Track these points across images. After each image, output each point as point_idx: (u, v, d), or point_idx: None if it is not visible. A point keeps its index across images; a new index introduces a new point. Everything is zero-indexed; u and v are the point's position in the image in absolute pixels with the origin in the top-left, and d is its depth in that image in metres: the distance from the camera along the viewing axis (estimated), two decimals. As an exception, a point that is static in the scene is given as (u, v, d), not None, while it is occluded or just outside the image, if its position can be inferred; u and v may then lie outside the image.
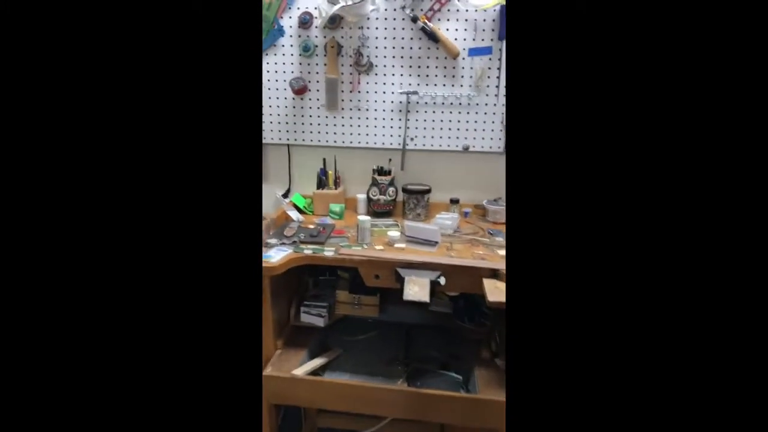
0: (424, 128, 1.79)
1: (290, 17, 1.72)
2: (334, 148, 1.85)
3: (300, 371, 1.40)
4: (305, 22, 1.71)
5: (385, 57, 1.73)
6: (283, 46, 1.76)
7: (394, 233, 1.53)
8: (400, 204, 1.80)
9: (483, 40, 1.67)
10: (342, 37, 1.72)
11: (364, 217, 1.50)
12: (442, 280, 1.31)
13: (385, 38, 1.71)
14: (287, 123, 1.85)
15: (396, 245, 1.46)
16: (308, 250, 1.41)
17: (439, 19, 1.67)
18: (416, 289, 1.24)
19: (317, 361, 1.48)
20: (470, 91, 1.73)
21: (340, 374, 1.49)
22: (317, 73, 1.77)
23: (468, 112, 1.76)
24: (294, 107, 1.83)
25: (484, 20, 1.65)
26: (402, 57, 1.73)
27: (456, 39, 1.68)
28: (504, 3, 1.58)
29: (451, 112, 1.77)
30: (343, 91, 1.79)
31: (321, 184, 1.83)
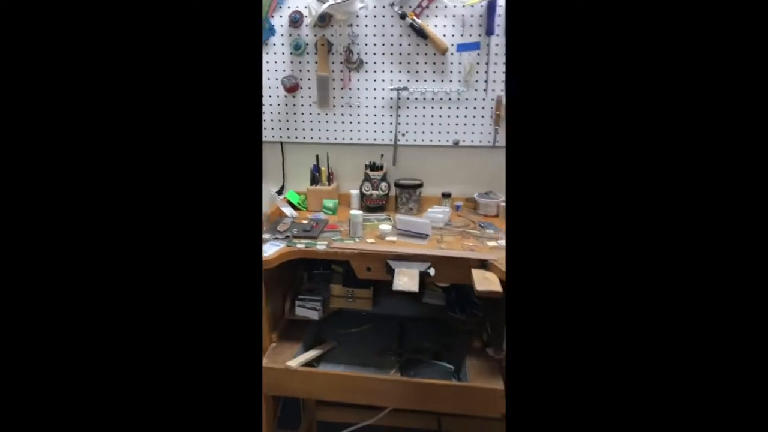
0: (415, 124, 1.82)
1: (281, 16, 1.75)
2: (327, 144, 1.88)
3: (294, 362, 1.43)
4: (295, 20, 1.73)
5: (374, 54, 1.76)
6: (274, 44, 1.78)
7: (385, 227, 1.55)
8: (393, 199, 1.83)
9: (471, 35, 1.70)
10: (332, 35, 1.75)
11: (356, 212, 1.53)
12: (432, 271, 1.34)
13: (375, 35, 1.73)
14: (280, 121, 1.87)
15: (387, 238, 1.49)
16: (301, 245, 1.43)
17: (427, 16, 1.70)
18: (405, 280, 1.27)
19: (311, 353, 1.51)
20: (459, 86, 1.76)
21: (334, 366, 1.52)
22: (308, 71, 1.80)
23: (458, 107, 1.78)
24: (286, 105, 1.85)
25: (472, 16, 1.68)
26: (391, 54, 1.75)
27: (444, 35, 1.70)
28: (490, -1, 1.60)
29: (441, 108, 1.79)
30: (334, 89, 1.81)
31: (314, 180, 1.85)
